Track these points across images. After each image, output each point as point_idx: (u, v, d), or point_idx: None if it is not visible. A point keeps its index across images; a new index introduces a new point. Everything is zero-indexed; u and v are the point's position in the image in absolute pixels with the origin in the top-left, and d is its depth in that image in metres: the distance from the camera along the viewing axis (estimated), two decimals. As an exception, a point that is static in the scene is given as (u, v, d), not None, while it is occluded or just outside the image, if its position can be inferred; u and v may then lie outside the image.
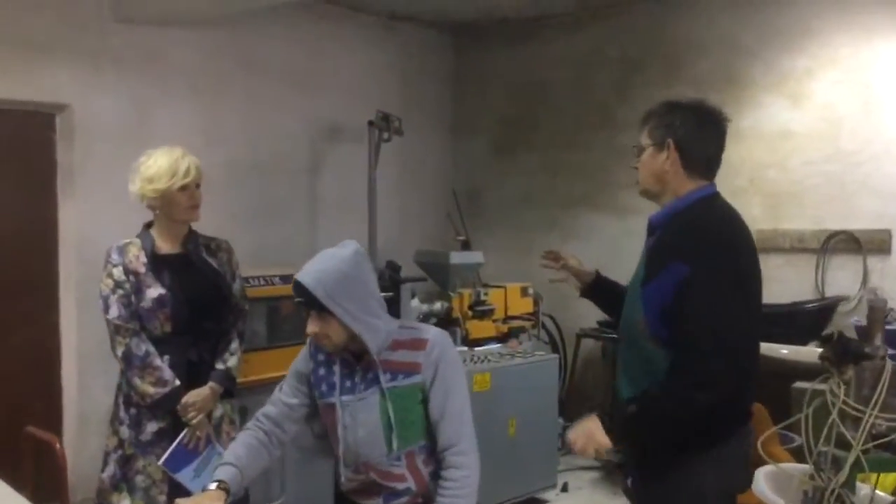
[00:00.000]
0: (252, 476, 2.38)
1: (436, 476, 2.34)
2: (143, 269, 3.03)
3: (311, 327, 2.26)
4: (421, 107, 6.69)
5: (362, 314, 2.23)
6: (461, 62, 7.19)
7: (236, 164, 5.37)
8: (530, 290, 5.78)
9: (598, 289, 2.85)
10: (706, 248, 2.29)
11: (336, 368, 2.35)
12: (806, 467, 2.54)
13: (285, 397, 2.44)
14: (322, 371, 2.38)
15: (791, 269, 5.46)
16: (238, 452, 2.37)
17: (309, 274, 2.22)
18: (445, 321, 5.15)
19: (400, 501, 2.35)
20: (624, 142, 6.26)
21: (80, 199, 4.69)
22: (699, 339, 2.21)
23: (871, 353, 2.48)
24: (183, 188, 3.03)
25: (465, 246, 5.69)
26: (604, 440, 2.33)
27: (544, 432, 5.10)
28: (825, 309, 5.18)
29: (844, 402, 2.43)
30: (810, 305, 5.24)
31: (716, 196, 2.46)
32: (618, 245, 6.22)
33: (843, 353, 2.51)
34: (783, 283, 5.31)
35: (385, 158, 5.60)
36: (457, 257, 5.24)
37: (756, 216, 5.36)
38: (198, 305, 3.08)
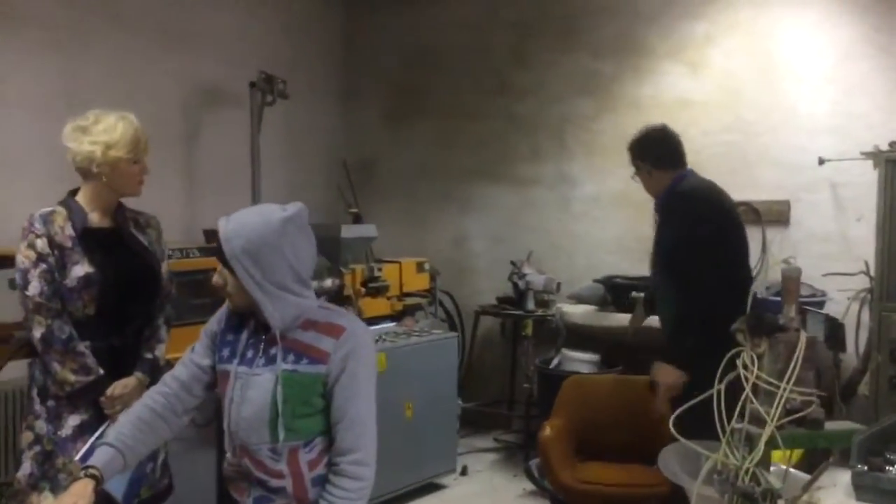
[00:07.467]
0: (142, 454, 2.15)
1: (320, 482, 2.06)
2: (69, 243, 2.71)
3: (216, 278, 2.10)
4: (308, 71, 6.28)
5: (268, 283, 2.01)
6: (351, 24, 6.81)
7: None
8: (426, 266, 5.53)
9: None
10: None
11: (244, 336, 2.14)
12: (716, 444, 2.40)
13: (197, 358, 2.21)
14: (230, 336, 2.17)
15: (691, 240, 5.37)
16: (122, 430, 2.10)
17: (228, 223, 2.04)
18: (337, 299, 4.82)
19: None
20: (521, 110, 6.07)
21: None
22: None
23: (785, 324, 2.36)
24: (136, 161, 2.81)
25: (357, 219, 5.35)
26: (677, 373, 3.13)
27: (443, 415, 4.90)
28: (725, 280, 5.09)
29: (758, 377, 2.30)
30: (710, 277, 5.15)
31: None
32: (515, 217, 6.03)
33: (757, 325, 2.37)
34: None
35: (270, 126, 5.24)
36: (348, 231, 4.92)
37: (656, 187, 5.25)
38: (127, 287, 2.80)
